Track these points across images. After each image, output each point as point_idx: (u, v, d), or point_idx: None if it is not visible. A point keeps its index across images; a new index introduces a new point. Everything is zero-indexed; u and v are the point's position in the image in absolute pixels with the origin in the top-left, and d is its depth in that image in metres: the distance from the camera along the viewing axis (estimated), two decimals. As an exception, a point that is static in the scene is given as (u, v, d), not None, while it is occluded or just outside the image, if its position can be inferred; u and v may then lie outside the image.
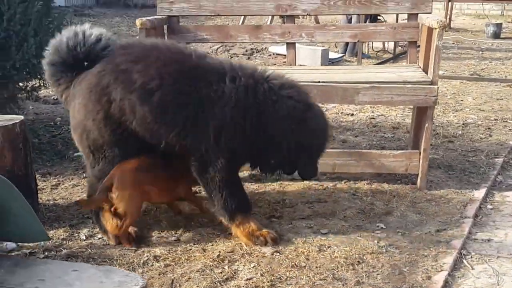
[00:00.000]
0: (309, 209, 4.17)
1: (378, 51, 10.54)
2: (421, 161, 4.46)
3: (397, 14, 7.98)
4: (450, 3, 13.79)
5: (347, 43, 9.93)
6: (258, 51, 10.74)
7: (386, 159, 4.53)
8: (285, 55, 9.58)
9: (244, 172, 4.65)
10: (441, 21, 4.26)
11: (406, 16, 5.01)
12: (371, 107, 6.83)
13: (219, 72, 3.51)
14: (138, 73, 3.43)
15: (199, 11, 4.96)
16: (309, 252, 3.54)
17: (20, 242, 2.92)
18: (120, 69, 3.45)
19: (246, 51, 10.71)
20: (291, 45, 5.03)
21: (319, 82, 4.32)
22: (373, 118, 6.46)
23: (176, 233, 3.79)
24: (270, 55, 10.45)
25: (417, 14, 4.84)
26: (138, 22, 4.43)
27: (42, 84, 5.58)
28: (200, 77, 3.48)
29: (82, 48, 3.56)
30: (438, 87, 4.31)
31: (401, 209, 4.18)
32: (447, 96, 7.62)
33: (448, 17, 13.46)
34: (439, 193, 4.47)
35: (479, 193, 4.46)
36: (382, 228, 3.90)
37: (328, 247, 3.60)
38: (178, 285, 3.20)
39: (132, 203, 3.52)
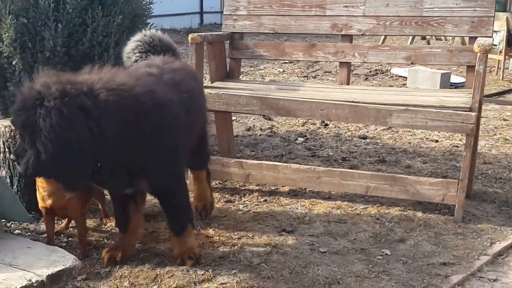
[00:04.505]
0: (324, 228, 4.17)
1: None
2: (458, 191, 4.28)
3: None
4: None
5: None
6: (383, 72, 10.64)
7: (422, 186, 4.38)
8: (405, 77, 9.55)
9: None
10: (482, 44, 4.09)
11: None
12: (461, 135, 6.58)
13: None
14: None
15: (259, 28, 5.18)
16: (294, 267, 3.58)
17: (3, 218, 3.26)
18: None
19: (370, 71, 10.65)
20: (344, 64, 5.05)
21: (353, 102, 4.31)
22: (457, 147, 6.19)
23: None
24: (392, 76, 10.31)
25: (476, 37, 4.63)
26: (190, 36, 4.70)
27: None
28: None
29: None
30: (476, 114, 4.12)
31: (419, 238, 4.03)
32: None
33: None
34: (474, 228, 4.23)
35: (519, 232, 4.18)
36: (386, 254, 3.81)
37: (317, 264, 3.61)
38: (160, 280, 3.41)
39: None
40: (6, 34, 4.84)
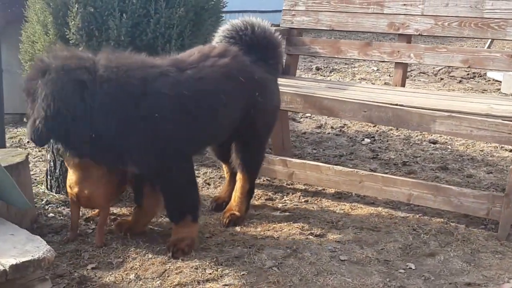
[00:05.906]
0: (354, 234, 4.03)
1: None
2: (503, 206, 4.01)
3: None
4: None
5: None
6: (480, 76, 10.07)
7: (466, 198, 4.13)
8: (500, 82, 8.99)
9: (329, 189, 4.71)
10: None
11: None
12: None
13: None
14: None
15: (316, 25, 5.10)
16: (306, 273, 3.50)
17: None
18: None
19: (468, 74, 10.10)
20: (399, 65, 4.86)
21: (396, 105, 4.15)
22: (531, 159, 5.79)
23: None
24: (489, 80, 9.72)
25: (539, 43, 4.32)
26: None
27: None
28: None
29: None
30: (524, 126, 3.84)
31: (451, 254, 3.81)
32: None
33: None
34: (518, 247, 3.97)
35: None
36: (410, 268, 3.64)
37: (331, 273, 3.51)
38: (167, 275, 3.46)
39: None
40: (73, 22, 5.05)
